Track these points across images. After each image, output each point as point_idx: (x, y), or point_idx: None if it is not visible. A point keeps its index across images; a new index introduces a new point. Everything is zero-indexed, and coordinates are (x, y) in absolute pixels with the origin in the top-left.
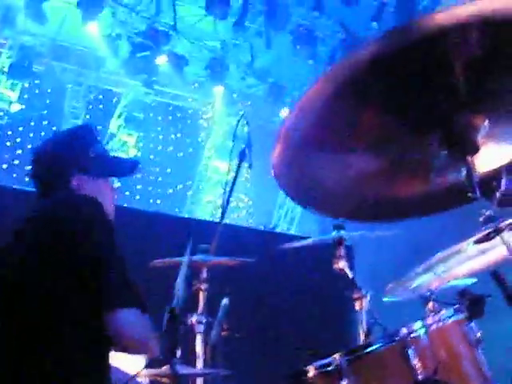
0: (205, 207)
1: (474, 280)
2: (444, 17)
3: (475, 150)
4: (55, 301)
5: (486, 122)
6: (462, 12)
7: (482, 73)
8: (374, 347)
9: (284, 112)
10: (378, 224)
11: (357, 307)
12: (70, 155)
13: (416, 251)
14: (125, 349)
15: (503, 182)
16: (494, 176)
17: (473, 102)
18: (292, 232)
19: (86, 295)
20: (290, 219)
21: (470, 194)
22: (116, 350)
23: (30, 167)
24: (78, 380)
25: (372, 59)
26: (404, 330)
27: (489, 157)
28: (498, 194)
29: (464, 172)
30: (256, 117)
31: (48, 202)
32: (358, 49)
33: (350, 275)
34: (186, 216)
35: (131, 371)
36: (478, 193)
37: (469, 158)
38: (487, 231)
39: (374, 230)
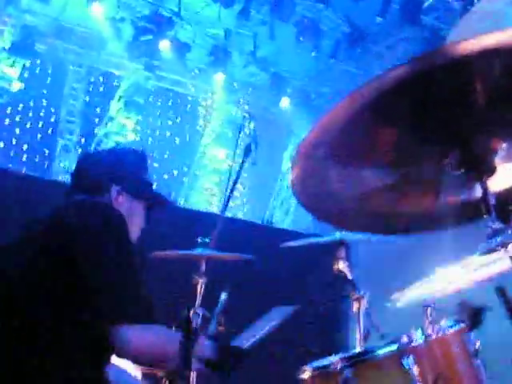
0: (201, 194)
1: (475, 291)
2: (470, 44)
3: (492, 171)
4: (59, 304)
5: (504, 145)
6: (489, 40)
7: (504, 100)
8: (375, 353)
9: (284, 102)
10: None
11: (355, 308)
12: (120, 167)
13: (415, 255)
14: (134, 362)
15: None
16: (509, 198)
17: (492, 126)
18: (287, 222)
19: (92, 303)
20: (286, 209)
21: (485, 216)
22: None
23: (78, 164)
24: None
25: (396, 83)
26: (405, 339)
27: (503, 177)
28: None
29: (477, 191)
30: (256, 106)
31: (73, 203)
32: (384, 73)
33: (350, 276)
34: (182, 202)
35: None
36: (493, 214)
37: (485, 179)
38: (494, 244)
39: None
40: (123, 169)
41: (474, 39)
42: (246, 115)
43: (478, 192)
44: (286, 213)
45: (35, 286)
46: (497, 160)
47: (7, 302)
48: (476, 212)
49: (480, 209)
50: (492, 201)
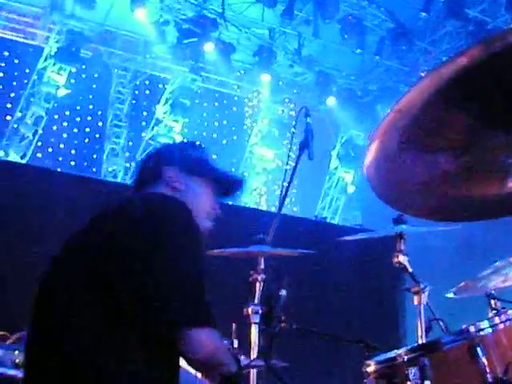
0: (249, 195)
1: None
2: None
3: None
4: (120, 302)
5: None
6: None
7: None
8: (443, 343)
9: (330, 100)
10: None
11: (415, 301)
12: (171, 150)
13: (470, 248)
14: (197, 369)
15: None
16: None
17: None
18: (337, 221)
19: (151, 304)
20: (334, 209)
21: None
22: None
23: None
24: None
25: (468, 65)
26: (472, 328)
27: None
28: None
29: None
30: (302, 105)
31: (135, 199)
32: (459, 54)
33: (410, 269)
34: (230, 203)
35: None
36: None
37: None
38: None
39: (435, 224)
40: (175, 150)
41: None
42: (303, 110)
43: None
44: (334, 212)
45: (99, 281)
46: None
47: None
48: None
49: None
50: None
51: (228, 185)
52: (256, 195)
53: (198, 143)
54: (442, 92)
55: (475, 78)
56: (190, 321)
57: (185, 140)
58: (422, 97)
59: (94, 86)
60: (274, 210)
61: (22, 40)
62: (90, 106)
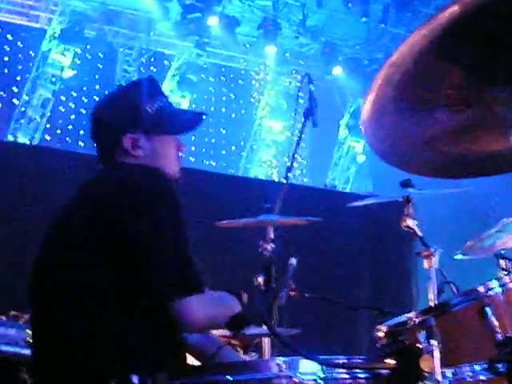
0: (259, 167)
1: None
2: None
3: None
4: (105, 280)
5: None
6: None
7: None
8: (453, 304)
9: (337, 70)
10: (451, 181)
11: (426, 265)
12: (122, 109)
13: (474, 210)
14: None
15: None
16: None
17: None
18: (348, 191)
19: (137, 278)
20: (345, 178)
21: None
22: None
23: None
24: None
25: (459, 15)
26: (481, 289)
27: None
28: None
29: None
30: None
31: (105, 176)
32: (447, 5)
33: (419, 233)
34: (241, 176)
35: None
36: None
37: None
38: None
39: (442, 187)
40: (127, 109)
41: None
42: (306, 77)
43: None
44: (345, 182)
45: (81, 262)
46: None
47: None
48: None
49: None
50: None
51: (189, 125)
52: (267, 168)
53: (148, 79)
54: (434, 44)
55: (467, 28)
56: (173, 293)
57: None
58: (414, 49)
59: (100, 66)
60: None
61: (25, 23)
62: (97, 87)
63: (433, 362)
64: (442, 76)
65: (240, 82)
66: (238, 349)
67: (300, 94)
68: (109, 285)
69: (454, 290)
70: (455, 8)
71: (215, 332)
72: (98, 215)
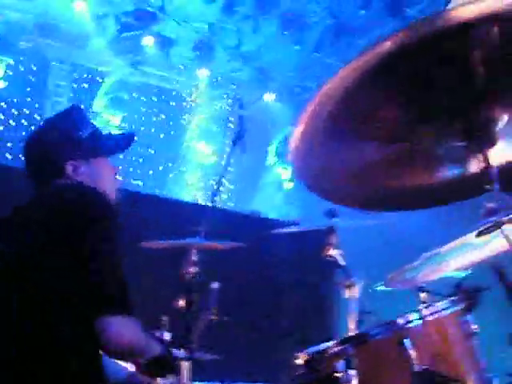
0: (186, 189)
1: (469, 272)
2: (469, 10)
3: (494, 141)
4: (47, 292)
5: (505, 116)
6: (487, 6)
7: (502, 67)
8: (372, 335)
9: (268, 96)
10: (376, 213)
11: (347, 295)
12: (60, 140)
13: (400, 242)
14: (117, 358)
15: None
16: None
17: (492, 95)
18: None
19: (76, 294)
20: (271, 205)
21: (487, 187)
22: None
23: (24, 158)
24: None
25: (394, 50)
26: (400, 320)
27: (504, 150)
28: None
29: (478, 164)
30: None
31: (49, 190)
32: (382, 39)
33: (342, 263)
34: (167, 197)
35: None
36: (496, 186)
37: (486, 151)
38: (489, 224)
39: (366, 218)
40: (63, 138)
41: (472, 5)
42: (237, 104)
43: (474, 167)
44: (272, 208)
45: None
46: (498, 133)
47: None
48: (474, 188)
49: (478, 185)
50: (495, 172)
51: (121, 146)
52: (193, 190)
53: (75, 107)
54: (365, 78)
55: (401, 64)
56: (101, 310)
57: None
58: (347, 82)
59: (32, 79)
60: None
61: None
62: (28, 99)
63: None
64: (373, 110)
65: (171, 103)
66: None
67: (230, 118)
68: (42, 299)
69: (374, 320)
70: (387, 44)
71: None
72: (54, 224)
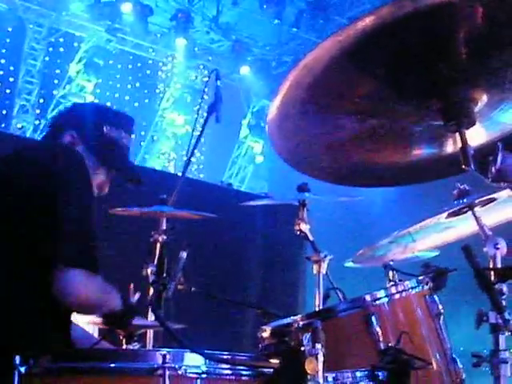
0: (157, 159)
1: (437, 253)
2: None
3: (472, 123)
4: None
5: (485, 97)
6: None
7: (485, 48)
8: (338, 311)
9: (244, 69)
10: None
11: (315, 270)
12: (75, 116)
13: (377, 220)
14: (70, 308)
15: (499, 157)
16: (489, 151)
17: (473, 75)
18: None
19: (40, 245)
20: (241, 178)
21: (464, 167)
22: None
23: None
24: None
25: (376, 25)
26: (368, 297)
27: (482, 131)
28: (493, 170)
29: (449, 146)
30: None
31: (31, 144)
32: (365, 14)
33: (311, 238)
34: (137, 165)
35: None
36: (472, 166)
37: (464, 131)
38: (461, 206)
39: (337, 194)
40: (79, 115)
41: None
42: (214, 73)
43: (449, 147)
44: (241, 181)
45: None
46: (477, 113)
47: None
48: (449, 168)
49: (453, 165)
50: (471, 152)
51: (127, 172)
52: (164, 160)
53: (125, 114)
54: (347, 52)
55: (383, 40)
56: (61, 260)
57: (96, 101)
58: (327, 55)
59: (8, 41)
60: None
61: None
62: (2, 61)
63: (317, 365)
64: (352, 84)
65: (147, 71)
66: (121, 337)
67: (205, 89)
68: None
69: (340, 296)
70: (371, 18)
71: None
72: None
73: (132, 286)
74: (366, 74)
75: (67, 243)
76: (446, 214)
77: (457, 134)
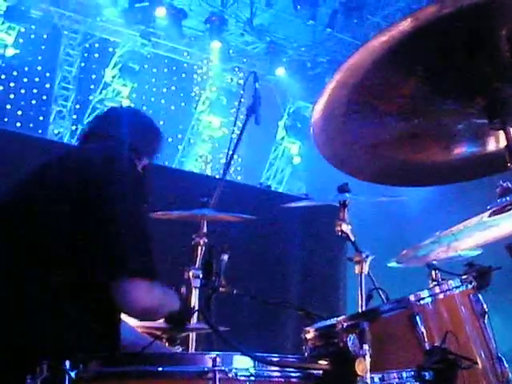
0: (195, 161)
1: (480, 251)
2: None
3: None
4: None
5: None
6: None
7: None
8: (383, 311)
9: (279, 71)
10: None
11: (357, 271)
12: (118, 116)
13: (417, 220)
14: (137, 318)
15: None
16: None
17: None
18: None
19: (95, 253)
20: (279, 179)
21: (509, 165)
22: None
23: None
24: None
25: (420, 26)
26: (412, 298)
27: None
28: None
29: (497, 142)
30: None
31: (86, 148)
32: (408, 15)
33: (352, 238)
34: (176, 168)
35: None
36: None
37: (509, 129)
38: (504, 204)
39: (378, 195)
40: (123, 116)
41: None
42: (252, 75)
43: (491, 145)
44: (279, 182)
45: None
46: None
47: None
48: (492, 166)
49: (497, 163)
50: None
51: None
52: (201, 162)
53: (141, 111)
54: (391, 53)
55: (426, 40)
56: (127, 272)
57: (132, 105)
58: (370, 57)
59: (43, 48)
60: (218, 177)
61: None
62: (39, 68)
63: (365, 366)
64: (396, 84)
65: (182, 75)
66: (164, 341)
67: (241, 91)
68: (54, 260)
69: (383, 296)
70: (414, 18)
71: (142, 324)
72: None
73: (184, 289)
74: (410, 74)
75: (130, 253)
76: (488, 213)
77: (501, 131)
